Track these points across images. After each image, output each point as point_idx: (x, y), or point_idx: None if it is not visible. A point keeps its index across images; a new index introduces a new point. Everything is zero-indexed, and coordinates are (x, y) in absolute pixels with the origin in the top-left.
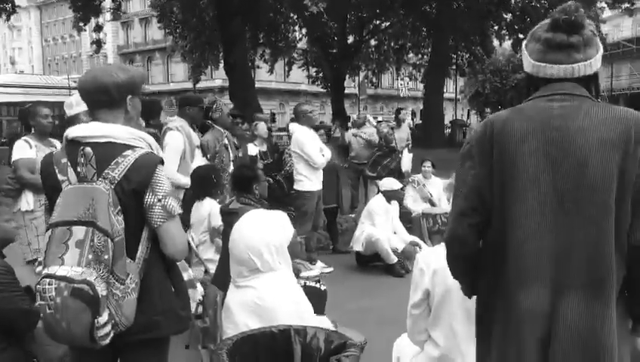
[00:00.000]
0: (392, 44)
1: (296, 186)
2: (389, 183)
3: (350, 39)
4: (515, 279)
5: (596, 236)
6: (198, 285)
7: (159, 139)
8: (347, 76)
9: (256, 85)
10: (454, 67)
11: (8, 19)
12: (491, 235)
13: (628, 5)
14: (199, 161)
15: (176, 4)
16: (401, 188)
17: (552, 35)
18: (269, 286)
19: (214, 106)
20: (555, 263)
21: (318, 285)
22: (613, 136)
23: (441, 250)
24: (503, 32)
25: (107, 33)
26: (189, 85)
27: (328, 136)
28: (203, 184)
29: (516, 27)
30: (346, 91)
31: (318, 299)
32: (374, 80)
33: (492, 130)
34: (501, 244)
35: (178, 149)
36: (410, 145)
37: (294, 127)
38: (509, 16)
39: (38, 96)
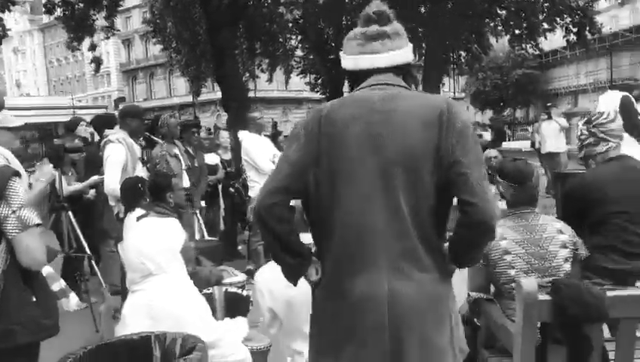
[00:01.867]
0: None
1: (250, 192)
2: None
3: None
4: (347, 263)
5: (415, 213)
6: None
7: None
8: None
9: (257, 94)
10: (454, 66)
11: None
12: (319, 216)
13: None
14: (140, 171)
15: (169, 18)
16: None
17: (367, 29)
18: (161, 288)
19: (160, 123)
20: (386, 243)
21: (240, 291)
22: (430, 118)
23: (274, 265)
24: (500, 28)
25: (109, 51)
26: (190, 98)
27: None
28: (131, 195)
29: (512, 23)
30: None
31: (239, 304)
32: None
33: (320, 115)
34: (330, 226)
35: (119, 161)
36: None
37: (242, 135)
38: (503, 13)
39: (47, 117)
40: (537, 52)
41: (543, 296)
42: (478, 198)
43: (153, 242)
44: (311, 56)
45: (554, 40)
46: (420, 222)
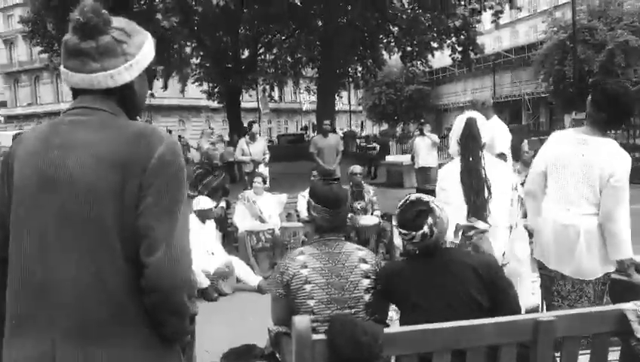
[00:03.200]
0: (288, 58)
1: None
2: (201, 202)
3: (245, 53)
4: (12, 324)
5: (93, 268)
6: None
7: None
8: (244, 90)
9: (152, 102)
10: (350, 80)
11: None
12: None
13: (495, 18)
14: None
15: (49, 19)
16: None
17: (70, 38)
18: None
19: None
20: (51, 303)
21: None
22: (113, 153)
23: None
24: (392, 44)
25: None
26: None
27: None
28: None
29: (404, 40)
30: (248, 105)
31: None
32: (272, 94)
33: (12, 150)
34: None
35: None
36: (266, 160)
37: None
38: (396, 30)
39: None
40: (427, 69)
41: (317, 336)
42: (155, 258)
43: None
44: (207, 64)
45: (443, 58)
46: (104, 284)
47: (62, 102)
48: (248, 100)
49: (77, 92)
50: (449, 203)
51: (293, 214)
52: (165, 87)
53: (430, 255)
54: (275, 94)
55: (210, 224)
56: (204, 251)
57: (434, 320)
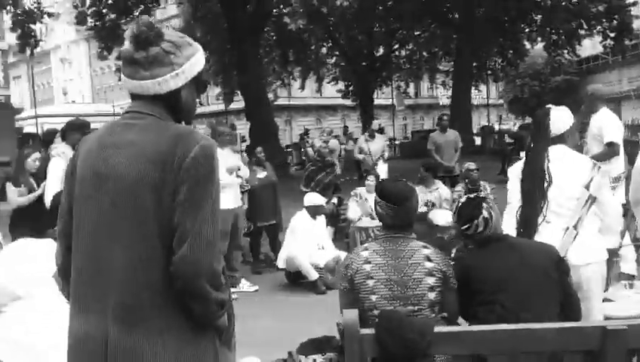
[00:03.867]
0: (424, 53)
1: None
2: (312, 199)
3: (380, 51)
4: (75, 304)
5: (136, 256)
6: None
7: None
8: (378, 88)
9: (290, 102)
10: (489, 72)
11: (32, 54)
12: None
13: None
14: None
15: (198, 28)
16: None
17: (126, 48)
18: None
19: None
20: (104, 287)
21: None
22: (155, 152)
23: None
24: (535, 33)
25: None
26: (222, 107)
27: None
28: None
29: (547, 29)
30: (383, 102)
31: None
32: (407, 90)
33: (79, 149)
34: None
35: (58, 175)
36: (385, 156)
37: None
38: (539, 18)
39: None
40: (575, 58)
41: (365, 330)
42: (182, 248)
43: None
44: (342, 64)
45: (594, 46)
46: (145, 271)
47: (212, 105)
48: (382, 97)
49: (132, 97)
50: (510, 202)
51: None
52: (302, 87)
53: (495, 241)
54: (411, 90)
55: (321, 219)
56: (315, 245)
57: (513, 310)
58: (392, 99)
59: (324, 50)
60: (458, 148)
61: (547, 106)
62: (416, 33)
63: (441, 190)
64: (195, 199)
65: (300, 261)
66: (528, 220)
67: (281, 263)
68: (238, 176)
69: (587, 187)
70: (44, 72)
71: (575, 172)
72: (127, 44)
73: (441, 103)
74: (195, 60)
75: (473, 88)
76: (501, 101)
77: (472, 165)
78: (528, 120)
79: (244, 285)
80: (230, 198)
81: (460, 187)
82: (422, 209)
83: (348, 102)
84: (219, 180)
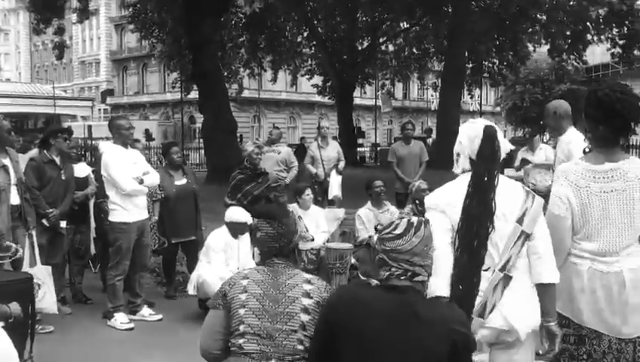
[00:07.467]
0: (414, 50)
1: (110, 217)
2: (234, 214)
3: (363, 44)
4: None
5: None
6: None
7: None
8: (359, 86)
9: (262, 96)
10: (486, 75)
11: None
12: None
13: None
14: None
15: (149, 2)
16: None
17: None
18: None
19: None
20: None
21: None
22: None
23: None
24: (536, 36)
25: (101, 36)
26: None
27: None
28: None
29: (551, 30)
30: (365, 103)
31: None
32: (392, 90)
33: None
34: None
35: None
36: (339, 166)
37: (103, 146)
38: (543, 18)
39: (26, 107)
40: (582, 65)
41: None
42: None
43: None
44: (320, 55)
45: (604, 53)
46: None
47: (167, 92)
48: (366, 97)
49: None
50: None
51: (349, 233)
52: (275, 79)
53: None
54: (399, 91)
55: (245, 239)
56: (234, 268)
57: None
58: (376, 99)
59: (299, 38)
60: (423, 162)
61: (488, 124)
62: (405, 26)
63: (391, 211)
64: None
65: (209, 288)
66: (468, 271)
67: (191, 289)
68: (141, 182)
69: (520, 221)
70: None
71: (508, 203)
72: None
73: (432, 108)
74: None
75: (467, 93)
76: (498, 109)
77: (423, 185)
78: (528, 130)
79: (146, 313)
80: (133, 209)
81: (408, 208)
82: (372, 233)
83: (326, 100)
84: None
